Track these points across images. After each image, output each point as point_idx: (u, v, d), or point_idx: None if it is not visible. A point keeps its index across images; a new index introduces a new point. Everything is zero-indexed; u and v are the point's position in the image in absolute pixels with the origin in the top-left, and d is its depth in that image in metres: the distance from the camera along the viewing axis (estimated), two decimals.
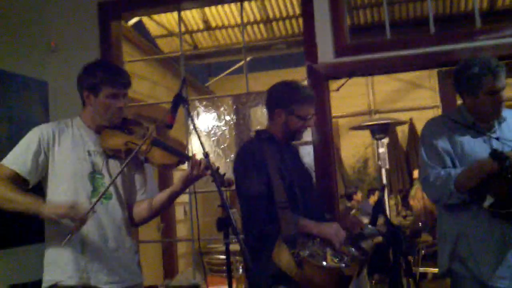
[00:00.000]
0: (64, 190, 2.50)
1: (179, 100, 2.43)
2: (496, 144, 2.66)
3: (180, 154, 2.54)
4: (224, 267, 2.50)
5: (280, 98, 2.91)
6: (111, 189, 2.54)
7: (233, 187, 2.54)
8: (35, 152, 2.49)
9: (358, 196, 8.34)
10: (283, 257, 2.49)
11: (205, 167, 2.43)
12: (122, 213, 2.59)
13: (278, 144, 2.89)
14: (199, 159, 2.44)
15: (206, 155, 2.37)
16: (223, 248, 2.37)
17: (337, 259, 2.56)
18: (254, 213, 2.75)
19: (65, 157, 2.53)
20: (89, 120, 2.64)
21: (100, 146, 2.58)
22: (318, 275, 2.45)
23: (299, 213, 2.70)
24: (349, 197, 8.26)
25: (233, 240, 2.31)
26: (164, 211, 2.73)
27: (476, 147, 2.69)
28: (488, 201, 2.50)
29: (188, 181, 2.52)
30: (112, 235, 2.53)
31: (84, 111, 2.67)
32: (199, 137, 2.41)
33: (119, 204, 2.58)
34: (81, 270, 2.45)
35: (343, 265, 2.53)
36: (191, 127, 2.43)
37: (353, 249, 2.70)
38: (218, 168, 2.47)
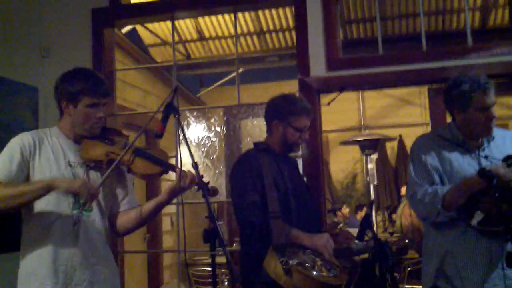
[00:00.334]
0: (45, 201, 2.41)
1: (170, 110, 2.41)
2: (484, 163, 2.66)
3: (164, 164, 2.50)
4: (210, 279, 2.49)
5: (277, 110, 2.97)
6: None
7: (218, 196, 2.54)
8: (19, 162, 2.42)
9: (344, 211, 8.31)
10: (273, 265, 2.52)
11: (192, 180, 2.41)
12: (103, 225, 2.56)
13: (275, 155, 2.95)
14: (186, 170, 2.42)
15: (195, 165, 2.35)
16: (209, 260, 2.36)
17: (326, 268, 2.58)
18: (247, 222, 2.79)
19: (46, 168, 2.46)
20: (67, 130, 2.57)
21: (81, 157, 2.53)
22: (306, 284, 2.47)
23: (293, 223, 2.75)
24: (334, 212, 8.22)
25: (219, 253, 2.29)
26: (149, 222, 2.70)
27: (465, 165, 2.70)
28: (476, 219, 2.50)
29: (175, 192, 2.50)
30: (93, 247, 2.48)
31: (62, 121, 2.60)
32: (188, 148, 2.39)
33: (100, 216, 2.54)
34: (60, 282, 2.39)
35: (332, 274, 2.55)
36: (181, 137, 2.41)
37: (343, 260, 2.72)
38: (201, 177, 2.44)
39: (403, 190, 8.33)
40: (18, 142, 2.47)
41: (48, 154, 2.49)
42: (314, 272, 2.51)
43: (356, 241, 2.76)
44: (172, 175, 2.56)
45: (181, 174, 2.41)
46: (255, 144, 3.06)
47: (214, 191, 2.47)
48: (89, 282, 2.45)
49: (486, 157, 2.69)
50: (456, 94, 2.72)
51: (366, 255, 2.89)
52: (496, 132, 2.80)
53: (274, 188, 2.75)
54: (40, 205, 2.43)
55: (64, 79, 2.55)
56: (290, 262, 2.48)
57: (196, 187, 2.43)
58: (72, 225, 2.41)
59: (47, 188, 2.30)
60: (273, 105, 3.03)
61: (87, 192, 2.26)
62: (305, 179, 3.19)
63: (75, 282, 2.42)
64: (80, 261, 2.43)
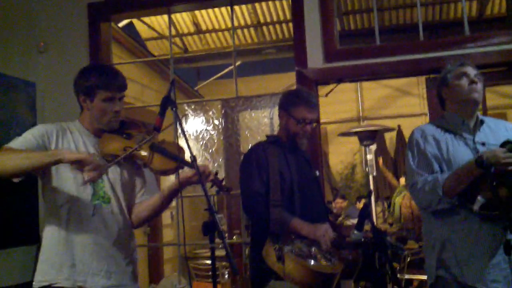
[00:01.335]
0: (64, 192, 2.46)
1: (167, 103, 2.41)
2: (481, 149, 2.68)
3: (179, 159, 2.50)
4: (210, 272, 2.50)
5: (282, 101, 3.11)
6: (110, 193, 2.53)
7: (232, 192, 2.59)
8: (40, 143, 2.43)
9: (340, 204, 8.26)
10: (269, 252, 2.60)
11: (208, 175, 2.45)
12: (121, 217, 2.57)
13: (284, 147, 3.04)
14: (204, 166, 2.44)
15: (193, 158, 2.36)
16: (210, 253, 2.37)
17: (323, 257, 2.62)
18: (251, 211, 2.91)
19: None
20: (87, 124, 2.61)
21: (99, 150, 2.55)
22: (298, 271, 2.51)
23: (296, 214, 2.84)
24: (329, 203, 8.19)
25: (220, 245, 2.30)
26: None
27: (462, 152, 2.71)
28: (478, 204, 2.50)
29: (187, 184, 2.51)
30: (111, 239, 2.51)
31: (82, 115, 2.64)
32: (186, 141, 2.39)
33: (118, 208, 2.56)
34: (78, 272, 2.42)
35: (327, 263, 2.59)
36: (179, 130, 2.42)
37: (344, 251, 2.74)
38: (217, 173, 2.50)
39: (402, 181, 8.33)
40: (41, 128, 2.51)
41: (69, 145, 2.53)
42: (312, 261, 2.54)
43: (355, 232, 2.76)
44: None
45: (202, 170, 2.41)
46: (267, 136, 3.18)
47: (228, 189, 2.52)
48: (107, 272, 2.48)
49: (483, 144, 2.71)
50: (439, 78, 2.93)
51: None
52: (488, 120, 2.88)
53: (279, 179, 2.84)
54: (59, 196, 2.47)
55: (81, 74, 2.58)
56: (284, 249, 2.54)
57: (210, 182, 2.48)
58: (91, 215, 2.44)
59: (55, 156, 2.26)
60: (281, 98, 3.15)
61: (92, 162, 2.22)
62: (317, 172, 3.24)
63: (92, 271, 2.44)
64: (97, 250, 2.46)
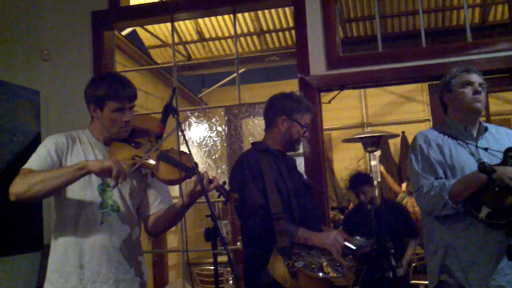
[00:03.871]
0: (73, 201, 2.48)
1: (169, 110, 2.42)
2: (484, 155, 2.68)
3: (187, 169, 2.45)
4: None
5: (284, 107, 2.99)
6: (120, 202, 2.53)
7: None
8: (53, 160, 2.45)
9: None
10: (278, 268, 2.51)
11: (209, 183, 2.39)
12: (130, 226, 2.57)
13: (275, 155, 2.94)
14: (205, 174, 2.39)
15: (195, 165, 2.35)
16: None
17: (333, 269, 2.56)
18: (253, 224, 2.77)
19: None
20: (97, 133, 2.62)
21: (108, 159, 2.53)
22: (312, 286, 2.45)
23: (296, 223, 2.75)
24: (342, 210, 8.20)
25: (224, 252, 2.29)
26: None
27: (465, 158, 2.72)
28: (484, 212, 2.50)
29: (194, 195, 2.46)
30: (119, 247, 2.50)
31: (92, 124, 2.64)
32: (188, 148, 2.39)
33: (127, 217, 2.56)
34: (85, 280, 2.42)
35: (340, 275, 2.53)
36: (182, 137, 2.41)
37: (351, 257, 2.71)
38: (224, 183, 2.45)
39: (404, 186, 8.32)
40: (54, 141, 2.52)
41: (79, 154, 2.53)
42: (321, 274, 2.49)
43: (357, 237, 2.75)
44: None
45: (204, 179, 2.37)
46: (254, 144, 3.04)
47: (235, 199, 2.43)
48: (115, 280, 2.47)
49: (486, 149, 2.70)
50: (444, 79, 2.93)
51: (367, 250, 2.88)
52: (490, 126, 2.89)
53: (275, 190, 2.74)
54: (69, 206, 2.48)
55: (91, 84, 2.57)
56: (296, 264, 2.48)
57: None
58: (100, 223, 2.45)
59: (83, 169, 2.29)
60: (278, 102, 3.03)
61: (118, 168, 2.25)
62: (305, 176, 3.16)
63: (100, 279, 2.44)
64: (106, 259, 2.46)
